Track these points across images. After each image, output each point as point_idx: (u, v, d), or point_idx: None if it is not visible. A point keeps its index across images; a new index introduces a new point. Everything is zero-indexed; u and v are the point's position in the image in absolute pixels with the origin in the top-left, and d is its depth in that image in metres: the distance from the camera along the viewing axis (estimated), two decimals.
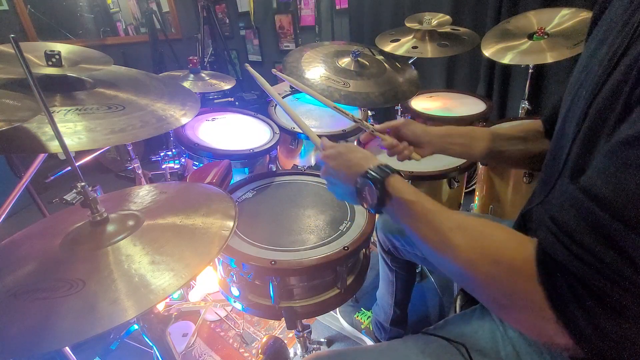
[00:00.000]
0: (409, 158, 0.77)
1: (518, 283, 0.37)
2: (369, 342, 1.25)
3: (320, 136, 0.73)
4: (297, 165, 1.11)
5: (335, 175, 0.61)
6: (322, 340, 1.26)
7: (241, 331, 1.32)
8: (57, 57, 0.76)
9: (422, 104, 1.73)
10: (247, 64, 0.77)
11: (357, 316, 1.33)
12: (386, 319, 1.16)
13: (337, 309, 1.36)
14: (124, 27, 3.30)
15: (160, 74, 1.50)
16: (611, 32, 0.43)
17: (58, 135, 0.50)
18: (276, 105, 1.53)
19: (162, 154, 1.33)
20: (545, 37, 1.30)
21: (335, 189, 0.63)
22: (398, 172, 0.53)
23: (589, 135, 0.40)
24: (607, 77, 0.39)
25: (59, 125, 0.52)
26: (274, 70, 0.90)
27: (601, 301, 0.32)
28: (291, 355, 1.07)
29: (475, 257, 0.40)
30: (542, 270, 0.35)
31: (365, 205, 0.55)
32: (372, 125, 0.80)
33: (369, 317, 1.32)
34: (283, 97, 1.60)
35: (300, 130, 1.33)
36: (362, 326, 1.29)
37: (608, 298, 0.32)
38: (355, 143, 1.51)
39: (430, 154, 0.77)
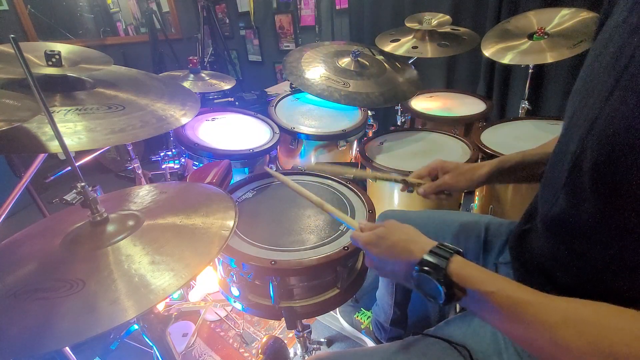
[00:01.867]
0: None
1: None
2: (369, 342, 1.25)
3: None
4: (297, 165, 1.11)
5: (382, 266, 0.53)
6: (322, 340, 1.26)
7: (241, 331, 1.32)
8: (57, 57, 0.76)
9: (422, 104, 1.73)
10: (266, 167, 0.77)
11: (357, 316, 1.33)
12: (386, 319, 1.16)
13: (337, 309, 1.36)
14: (124, 27, 3.30)
15: (160, 74, 1.50)
16: (614, 39, 0.42)
17: (58, 135, 0.50)
18: (276, 105, 1.53)
19: (162, 154, 1.33)
20: (545, 37, 1.30)
21: (386, 276, 0.58)
22: (457, 251, 0.44)
23: (609, 134, 0.37)
24: (622, 72, 0.37)
25: (59, 125, 0.52)
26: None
27: None
28: (291, 355, 1.07)
29: (606, 352, 0.32)
30: None
31: (428, 299, 0.45)
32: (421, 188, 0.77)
33: (369, 317, 1.32)
34: (284, 97, 1.60)
35: (299, 131, 1.33)
36: (362, 326, 1.29)
37: None
38: (356, 144, 1.51)
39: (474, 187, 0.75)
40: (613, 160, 0.37)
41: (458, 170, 0.74)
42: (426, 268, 0.44)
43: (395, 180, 0.80)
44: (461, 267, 0.43)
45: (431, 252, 0.45)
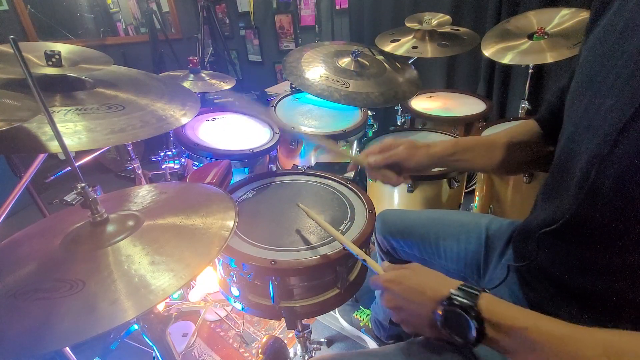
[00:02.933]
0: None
1: None
2: (369, 340, 1.25)
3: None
4: (297, 165, 1.11)
5: (403, 305, 0.49)
6: (322, 340, 1.26)
7: (241, 331, 1.32)
8: (57, 57, 0.76)
9: (422, 104, 1.73)
10: (299, 204, 0.73)
11: (356, 314, 1.33)
12: (385, 318, 1.16)
13: (336, 308, 1.36)
14: (124, 27, 3.30)
15: (160, 74, 1.50)
16: (633, 33, 0.40)
17: (58, 136, 0.50)
18: (276, 105, 1.53)
19: (162, 154, 1.33)
20: (545, 37, 1.30)
21: (405, 320, 0.50)
22: (484, 290, 0.43)
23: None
24: None
25: (59, 125, 0.52)
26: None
27: None
28: (291, 355, 1.07)
29: None
30: None
31: (455, 339, 0.43)
32: (368, 158, 0.73)
33: (368, 315, 1.32)
34: (284, 97, 1.60)
35: (299, 131, 1.33)
36: (361, 324, 1.29)
37: None
38: (356, 144, 1.51)
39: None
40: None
41: (413, 144, 0.70)
42: (456, 302, 0.42)
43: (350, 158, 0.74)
44: (491, 303, 0.41)
45: (459, 289, 0.43)
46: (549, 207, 0.53)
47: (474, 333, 0.40)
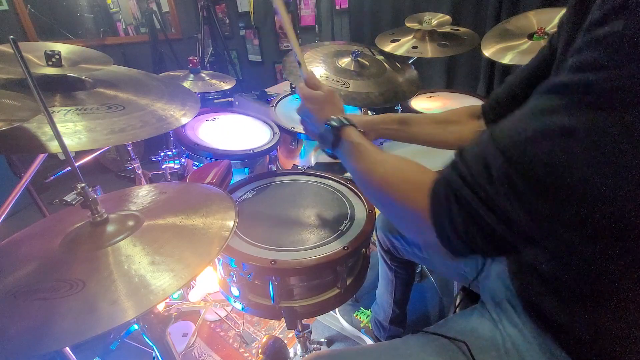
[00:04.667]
0: None
1: (417, 196, 0.44)
2: (369, 340, 1.25)
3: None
4: (297, 165, 1.11)
5: (308, 115, 0.70)
6: (322, 340, 1.26)
7: (241, 331, 1.32)
8: (57, 57, 0.76)
9: (422, 104, 1.73)
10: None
11: (357, 315, 1.33)
12: (385, 318, 1.16)
13: (337, 308, 1.36)
14: (124, 27, 3.30)
15: (160, 74, 1.50)
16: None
17: (58, 136, 0.50)
18: (276, 105, 1.53)
19: (162, 154, 1.33)
20: (545, 37, 1.30)
21: (306, 124, 0.73)
22: (354, 125, 0.63)
23: None
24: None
25: (59, 125, 0.52)
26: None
27: (462, 206, 0.38)
28: (291, 355, 1.07)
29: (387, 181, 0.50)
30: (433, 186, 0.43)
31: (324, 145, 0.66)
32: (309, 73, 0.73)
33: (368, 315, 1.32)
34: (284, 97, 1.60)
35: (299, 131, 1.33)
36: (362, 324, 1.29)
37: (465, 203, 0.38)
38: None
39: (374, 139, 0.82)
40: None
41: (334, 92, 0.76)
42: (331, 122, 0.63)
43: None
44: (350, 130, 0.61)
45: (337, 117, 0.63)
46: None
47: (330, 142, 0.63)
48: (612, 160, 0.30)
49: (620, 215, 0.32)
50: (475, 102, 1.70)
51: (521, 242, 0.37)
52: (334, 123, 0.63)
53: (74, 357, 0.80)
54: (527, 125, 0.34)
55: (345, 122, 0.62)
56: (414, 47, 1.50)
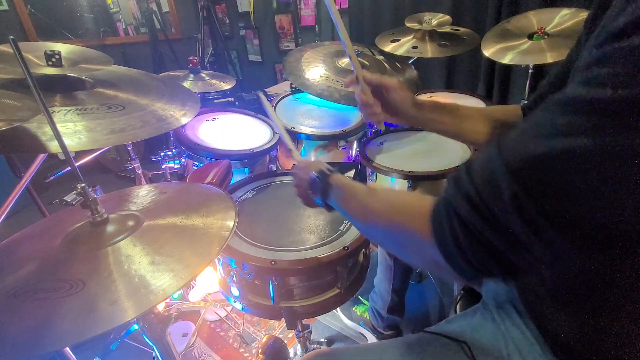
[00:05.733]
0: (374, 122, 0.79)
1: (419, 220, 0.42)
2: (369, 335, 1.25)
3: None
4: (297, 165, 1.12)
5: (298, 179, 0.71)
6: (322, 340, 1.26)
7: (241, 331, 1.32)
8: (57, 57, 0.76)
9: None
10: (259, 92, 0.82)
11: (355, 308, 1.33)
12: (383, 306, 1.16)
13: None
14: (124, 27, 3.30)
15: (160, 74, 1.50)
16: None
17: (58, 136, 0.50)
18: (276, 105, 1.53)
19: (162, 154, 1.33)
20: (545, 37, 1.30)
21: (298, 192, 0.72)
22: (338, 172, 0.64)
23: None
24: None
25: (59, 125, 0.52)
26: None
27: (468, 230, 0.36)
28: (291, 355, 1.07)
29: (383, 210, 0.49)
30: (435, 208, 0.40)
31: (316, 196, 0.65)
32: (363, 71, 0.77)
33: (366, 306, 1.32)
34: (284, 97, 1.60)
35: (299, 131, 1.34)
36: (358, 313, 1.29)
37: (472, 227, 0.35)
38: (356, 144, 1.51)
39: (405, 124, 0.79)
40: None
41: (404, 85, 0.76)
42: (318, 175, 0.63)
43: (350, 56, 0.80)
44: (336, 176, 0.62)
45: (320, 169, 0.64)
46: None
47: (319, 191, 0.63)
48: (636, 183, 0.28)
49: (632, 229, 0.31)
50: (475, 102, 1.70)
51: (532, 263, 0.35)
52: (319, 174, 0.64)
53: (74, 357, 0.80)
54: (538, 143, 0.31)
55: (330, 170, 0.64)
56: (414, 47, 1.50)
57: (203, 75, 1.61)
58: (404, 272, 1.11)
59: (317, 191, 0.64)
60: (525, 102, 0.71)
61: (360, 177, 1.43)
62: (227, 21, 3.60)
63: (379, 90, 0.76)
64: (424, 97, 1.82)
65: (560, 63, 0.58)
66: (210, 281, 1.39)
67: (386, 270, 1.11)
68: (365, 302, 1.33)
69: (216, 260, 0.80)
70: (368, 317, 1.27)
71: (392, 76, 1.43)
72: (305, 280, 0.75)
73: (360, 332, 1.28)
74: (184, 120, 0.85)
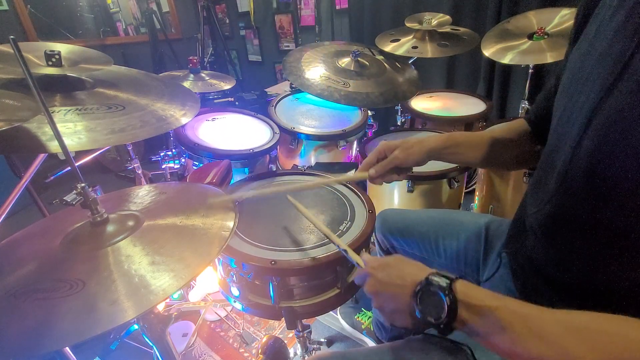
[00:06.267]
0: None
1: None
2: (370, 342, 1.25)
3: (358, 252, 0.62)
4: (297, 165, 1.11)
5: (384, 288, 0.50)
6: (322, 340, 1.26)
7: (241, 331, 1.32)
8: (57, 57, 0.76)
9: (422, 104, 1.73)
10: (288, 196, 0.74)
11: (358, 317, 1.33)
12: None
13: (338, 310, 1.36)
14: (124, 27, 3.30)
15: (160, 74, 1.50)
16: (603, 32, 0.43)
17: (58, 136, 0.50)
18: (276, 105, 1.53)
19: (162, 154, 1.33)
20: (545, 37, 1.30)
21: (383, 305, 0.50)
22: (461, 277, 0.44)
23: (607, 134, 0.39)
24: (619, 74, 0.38)
25: (59, 125, 0.52)
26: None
27: None
28: (291, 355, 1.07)
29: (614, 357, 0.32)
30: None
31: (429, 322, 0.43)
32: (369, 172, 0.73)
33: (370, 317, 1.31)
34: (284, 97, 1.60)
35: (299, 131, 1.33)
36: (363, 326, 1.29)
37: None
38: (356, 144, 1.51)
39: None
40: (612, 158, 0.38)
41: (405, 145, 0.71)
42: (433, 282, 0.43)
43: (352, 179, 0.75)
44: (465, 286, 0.42)
45: (437, 273, 0.45)
46: (535, 200, 0.54)
47: (446, 312, 0.40)
48: None
49: None
50: (475, 102, 1.70)
51: None
52: (437, 280, 0.43)
53: (74, 357, 0.80)
54: None
55: (451, 276, 0.43)
56: (414, 47, 1.50)
57: (203, 75, 1.61)
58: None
59: (433, 312, 0.42)
60: (527, 112, 0.70)
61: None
62: (227, 21, 3.60)
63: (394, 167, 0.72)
64: (424, 96, 1.82)
65: (560, 66, 0.58)
66: (210, 281, 1.39)
67: None
68: (369, 313, 1.33)
69: (216, 260, 0.80)
70: (372, 329, 1.27)
71: (394, 74, 1.43)
72: (305, 280, 0.75)
73: (361, 339, 1.27)
74: (184, 120, 0.85)
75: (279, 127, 1.36)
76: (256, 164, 1.26)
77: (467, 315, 0.40)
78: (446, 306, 0.40)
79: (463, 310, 0.40)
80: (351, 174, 0.75)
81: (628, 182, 0.37)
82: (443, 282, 0.42)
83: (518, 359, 0.38)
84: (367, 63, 1.45)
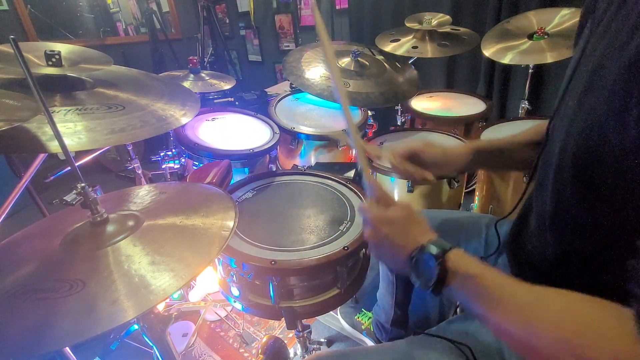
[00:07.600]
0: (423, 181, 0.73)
1: (614, 341, 0.33)
2: (370, 342, 1.25)
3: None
4: (297, 165, 1.11)
5: (385, 243, 0.52)
6: (322, 340, 1.26)
7: (241, 331, 1.32)
8: (57, 57, 0.76)
9: (422, 104, 1.73)
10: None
11: (358, 317, 1.33)
12: (387, 320, 1.16)
13: (338, 310, 1.36)
14: (124, 27, 3.30)
15: (160, 74, 1.50)
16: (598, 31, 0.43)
17: (58, 136, 0.50)
18: (276, 105, 1.53)
19: (162, 154, 1.33)
20: (545, 37, 1.30)
21: (380, 255, 0.56)
22: (458, 247, 0.47)
23: (588, 136, 0.40)
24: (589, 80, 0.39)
25: (59, 125, 0.52)
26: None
27: None
28: (291, 355, 1.07)
29: (570, 336, 0.34)
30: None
31: (419, 282, 0.48)
32: (391, 157, 0.72)
33: (370, 317, 1.31)
34: (284, 97, 1.60)
35: (299, 131, 1.33)
36: (363, 327, 1.29)
37: None
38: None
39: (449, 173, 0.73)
40: (593, 159, 0.39)
41: (429, 142, 0.71)
42: (427, 248, 0.46)
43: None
44: (457, 256, 0.45)
45: (435, 241, 0.48)
46: (537, 201, 0.54)
47: (434, 279, 0.45)
48: None
49: None
50: (475, 102, 1.70)
51: None
52: (432, 247, 0.46)
53: (74, 357, 0.80)
54: None
55: (447, 245, 0.47)
56: (414, 47, 1.50)
57: (203, 75, 1.61)
58: (405, 286, 1.11)
59: (426, 275, 0.46)
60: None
61: (360, 176, 1.43)
62: (227, 21, 3.60)
63: (413, 156, 0.71)
64: (424, 96, 1.82)
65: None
66: (210, 281, 1.39)
67: (388, 285, 1.11)
68: (369, 313, 1.33)
69: (216, 260, 0.80)
70: (372, 330, 1.27)
71: (394, 74, 1.43)
72: (305, 280, 0.75)
73: (361, 339, 1.27)
74: (184, 120, 0.85)
75: (279, 127, 1.36)
76: (256, 164, 1.26)
77: (453, 282, 0.44)
78: (435, 274, 0.44)
79: (451, 278, 0.44)
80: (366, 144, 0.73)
81: (612, 183, 0.37)
82: (436, 250, 0.46)
83: (492, 326, 0.41)
84: (367, 63, 1.45)
